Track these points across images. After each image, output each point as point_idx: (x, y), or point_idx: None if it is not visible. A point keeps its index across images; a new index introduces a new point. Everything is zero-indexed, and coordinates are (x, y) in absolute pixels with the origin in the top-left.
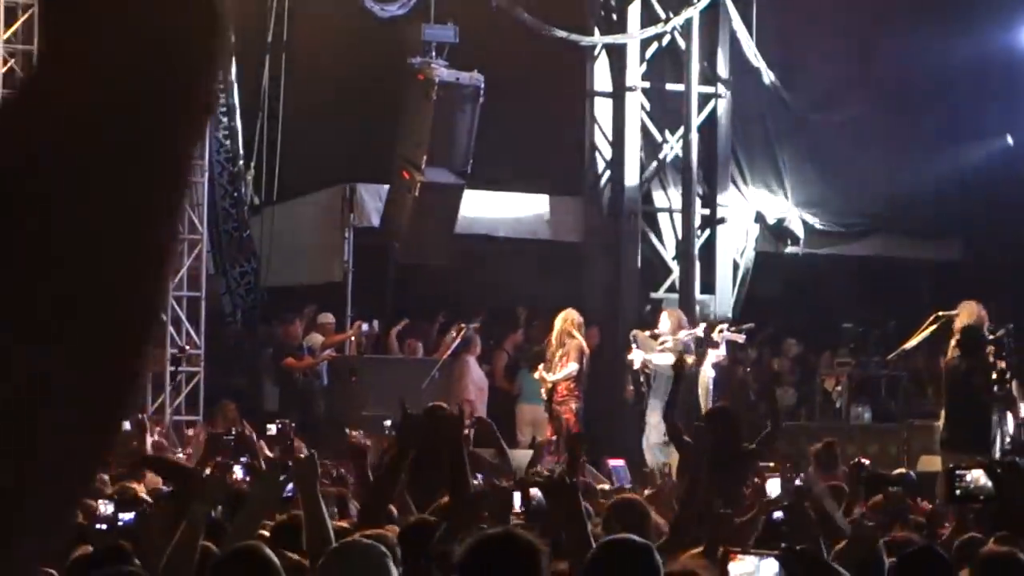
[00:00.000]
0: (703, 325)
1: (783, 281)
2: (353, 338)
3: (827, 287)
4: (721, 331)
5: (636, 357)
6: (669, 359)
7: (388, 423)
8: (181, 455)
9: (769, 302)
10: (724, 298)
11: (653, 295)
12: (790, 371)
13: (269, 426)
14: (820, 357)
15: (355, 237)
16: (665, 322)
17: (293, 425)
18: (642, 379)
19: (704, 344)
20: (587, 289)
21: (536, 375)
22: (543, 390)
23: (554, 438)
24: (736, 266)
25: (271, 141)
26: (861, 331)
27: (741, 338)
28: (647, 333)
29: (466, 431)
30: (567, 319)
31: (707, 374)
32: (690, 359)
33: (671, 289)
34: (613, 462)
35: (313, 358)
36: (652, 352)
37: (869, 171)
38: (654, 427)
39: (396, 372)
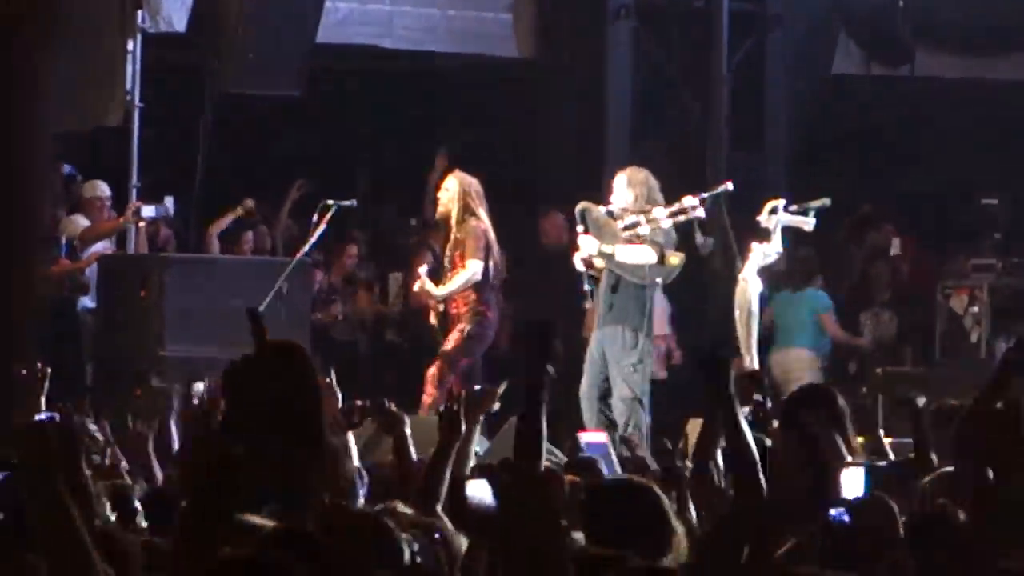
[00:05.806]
0: (705, 196)
1: (877, 126)
2: (140, 225)
3: (954, 136)
4: (775, 211)
5: (583, 249)
6: (640, 256)
7: (200, 387)
8: None
9: (851, 163)
10: (778, 155)
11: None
12: (887, 283)
13: None
14: (942, 256)
15: (145, 50)
16: (623, 189)
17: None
18: (589, 287)
19: (748, 234)
20: (542, 143)
21: (417, 287)
22: (432, 313)
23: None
24: (800, 99)
25: None
26: (1013, 215)
27: (809, 224)
28: (604, 208)
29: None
30: (458, 188)
31: (751, 287)
32: (675, 258)
33: (681, 143)
34: (588, 437)
35: (72, 260)
36: (612, 241)
37: None
38: (621, 369)
39: (218, 280)
